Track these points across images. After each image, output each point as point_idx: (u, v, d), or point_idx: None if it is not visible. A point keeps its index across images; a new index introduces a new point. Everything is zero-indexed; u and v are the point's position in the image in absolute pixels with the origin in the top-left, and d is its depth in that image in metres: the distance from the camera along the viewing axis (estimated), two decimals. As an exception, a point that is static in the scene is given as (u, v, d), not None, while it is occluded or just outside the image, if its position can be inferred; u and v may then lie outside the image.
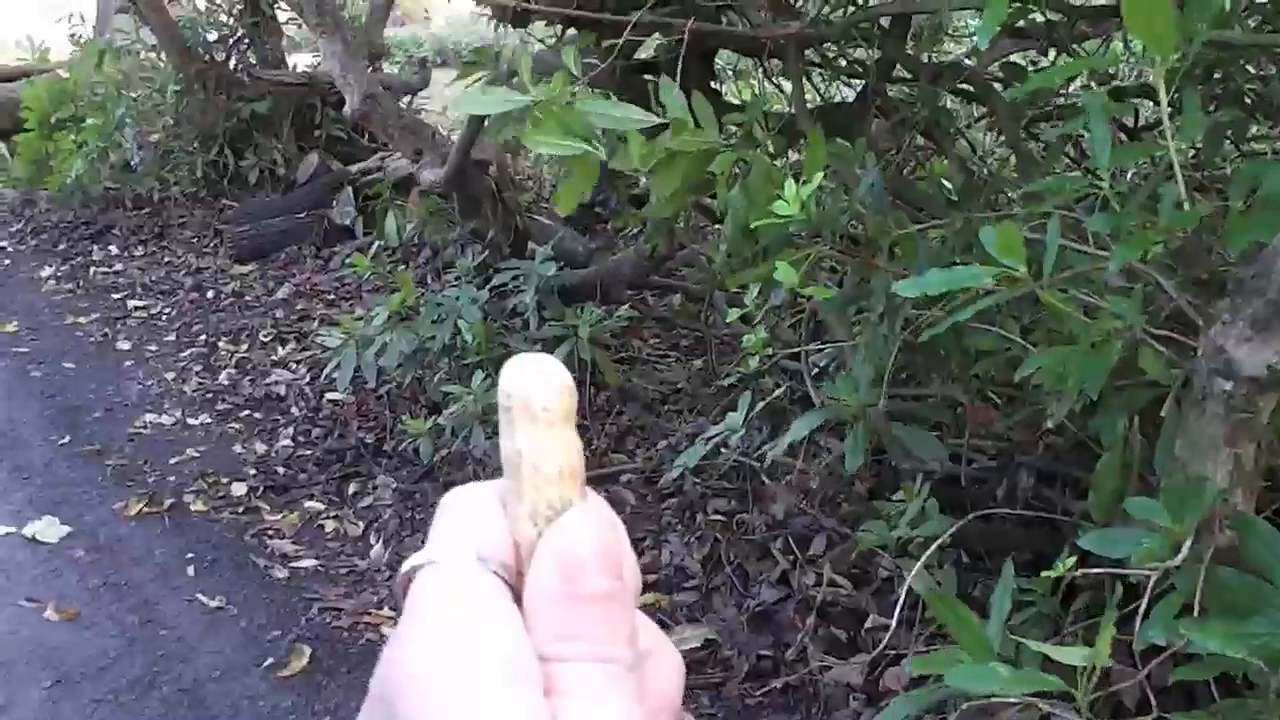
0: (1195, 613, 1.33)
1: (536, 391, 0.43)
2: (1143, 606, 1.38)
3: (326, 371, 4.17)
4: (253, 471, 4.04)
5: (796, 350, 2.82)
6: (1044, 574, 1.45)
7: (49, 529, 3.62)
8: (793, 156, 2.69)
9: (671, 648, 0.45)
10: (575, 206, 2.05)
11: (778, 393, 2.91)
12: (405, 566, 0.42)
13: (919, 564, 1.86)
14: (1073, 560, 1.44)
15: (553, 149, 1.77)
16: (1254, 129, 2.61)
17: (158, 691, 2.86)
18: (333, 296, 5.87)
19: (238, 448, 4.24)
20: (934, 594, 1.63)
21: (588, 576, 0.41)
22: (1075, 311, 1.51)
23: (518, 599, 0.41)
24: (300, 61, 8.13)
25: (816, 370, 2.73)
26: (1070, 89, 2.92)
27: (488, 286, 4.00)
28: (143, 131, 7.16)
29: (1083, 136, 2.42)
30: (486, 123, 4.55)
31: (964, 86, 2.98)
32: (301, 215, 6.62)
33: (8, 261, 7.05)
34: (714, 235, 4.73)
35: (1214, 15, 1.34)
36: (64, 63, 8.44)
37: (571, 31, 3.47)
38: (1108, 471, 1.68)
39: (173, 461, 4.13)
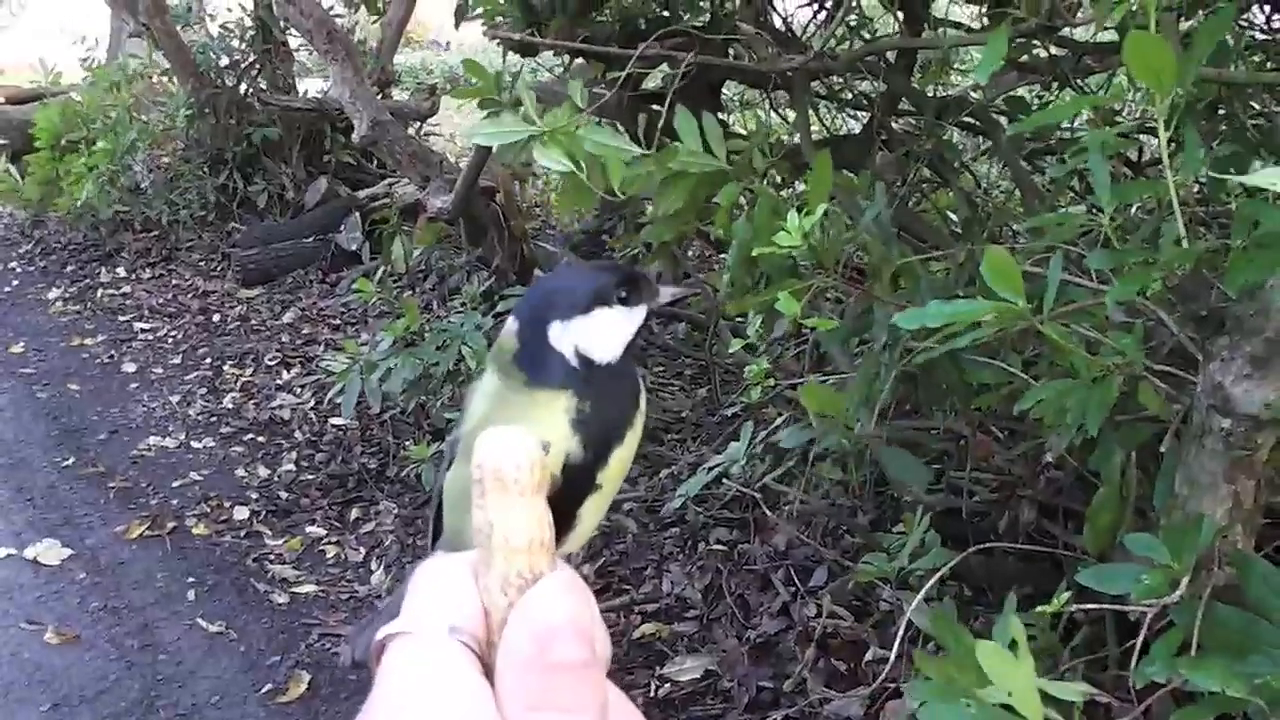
0: (1194, 650, 1.33)
1: (508, 464, 0.44)
2: (1140, 643, 1.37)
3: (330, 396, 4.17)
4: (255, 496, 4.04)
5: (799, 380, 2.82)
6: (1041, 609, 1.44)
7: (50, 551, 3.62)
8: (798, 187, 2.70)
9: (641, 719, 0.46)
10: (570, 209, 2.07)
11: (780, 422, 2.90)
12: (379, 635, 0.43)
13: (919, 596, 1.85)
14: (1070, 595, 1.43)
15: (554, 164, 1.79)
16: (1257, 165, 2.61)
17: (155, 716, 2.85)
18: (338, 321, 5.88)
19: (241, 471, 4.24)
20: (937, 617, 1.63)
21: (560, 646, 0.41)
22: (1076, 346, 1.52)
23: (489, 670, 0.42)
24: (310, 87, 8.18)
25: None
26: (1075, 122, 2.93)
27: (493, 313, 4.01)
28: (153, 155, 7.20)
29: (1087, 170, 2.43)
30: (494, 150, 4.58)
31: (969, 120, 2.99)
32: (309, 240, 6.65)
33: (16, 282, 7.09)
34: (718, 264, 4.74)
35: (1214, 54, 1.34)
36: (77, 85, 8.50)
37: (579, 61, 3.49)
38: (1104, 505, 1.67)
39: (175, 484, 4.14)
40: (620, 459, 0.70)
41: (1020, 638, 1.05)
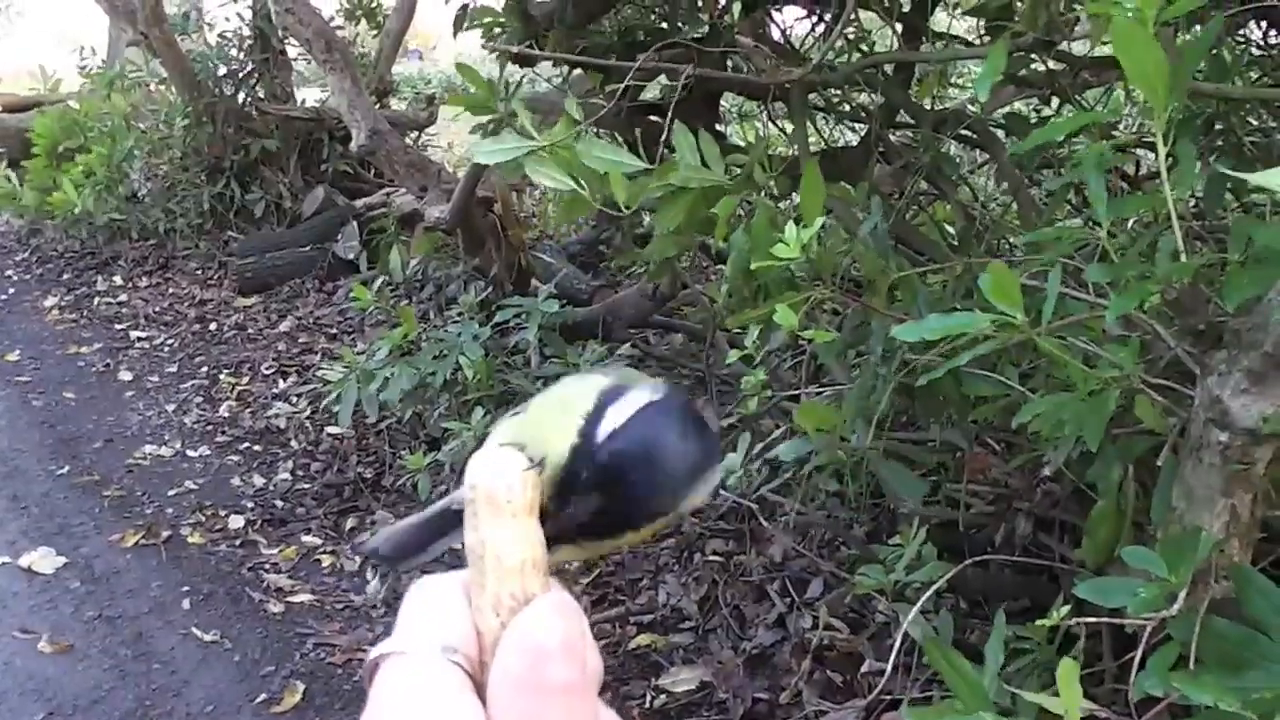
0: (1191, 664, 1.33)
1: (500, 485, 0.44)
2: (1138, 656, 1.37)
3: (327, 405, 4.17)
4: (250, 504, 4.03)
5: (796, 392, 2.82)
6: (1039, 622, 1.44)
7: (45, 560, 3.60)
8: (795, 198, 2.71)
9: None
10: (569, 221, 2.07)
11: (776, 434, 2.90)
12: (372, 654, 0.43)
13: (915, 609, 1.85)
14: (1068, 609, 1.43)
15: (551, 182, 1.79)
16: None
17: (149, 725, 2.84)
18: (335, 330, 5.88)
19: (236, 480, 4.24)
20: (929, 641, 1.63)
21: (551, 666, 0.41)
22: (1073, 359, 1.52)
23: (481, 691, 0.42)
24: (308, 96, 8.19)
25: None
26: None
27: (490, 323, 4.01)
28: (150, 163, 7.21)
29: (1084, 183, 2.43)
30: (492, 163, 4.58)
31: (966, 133, 2.99)
32: (306, 249, 6.65)
33: (12, 290, 7.08)
34: (716, 275, 4.75)
35: (1205, 65, 1.35)
36: (75, 93, 8.50)
37: (577, 73, 3.50)
38: (1102, 518, 1.68)
39: (171, 493, 4.13)
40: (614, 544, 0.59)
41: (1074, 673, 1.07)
